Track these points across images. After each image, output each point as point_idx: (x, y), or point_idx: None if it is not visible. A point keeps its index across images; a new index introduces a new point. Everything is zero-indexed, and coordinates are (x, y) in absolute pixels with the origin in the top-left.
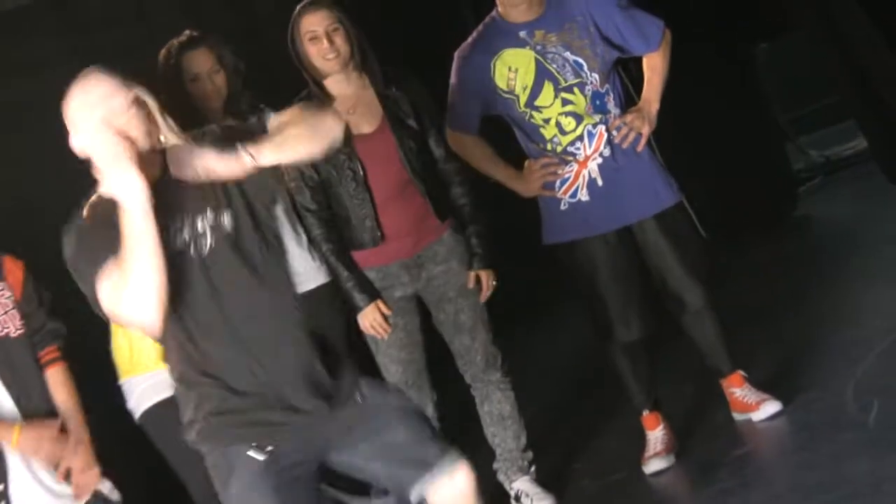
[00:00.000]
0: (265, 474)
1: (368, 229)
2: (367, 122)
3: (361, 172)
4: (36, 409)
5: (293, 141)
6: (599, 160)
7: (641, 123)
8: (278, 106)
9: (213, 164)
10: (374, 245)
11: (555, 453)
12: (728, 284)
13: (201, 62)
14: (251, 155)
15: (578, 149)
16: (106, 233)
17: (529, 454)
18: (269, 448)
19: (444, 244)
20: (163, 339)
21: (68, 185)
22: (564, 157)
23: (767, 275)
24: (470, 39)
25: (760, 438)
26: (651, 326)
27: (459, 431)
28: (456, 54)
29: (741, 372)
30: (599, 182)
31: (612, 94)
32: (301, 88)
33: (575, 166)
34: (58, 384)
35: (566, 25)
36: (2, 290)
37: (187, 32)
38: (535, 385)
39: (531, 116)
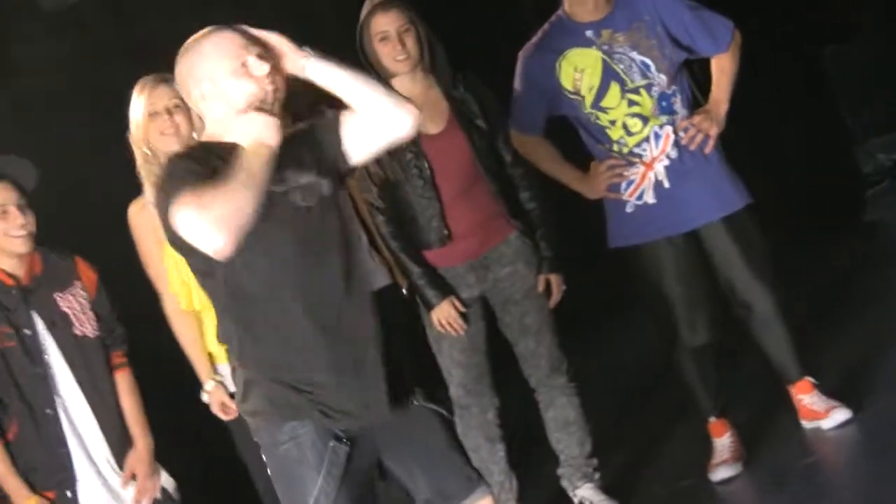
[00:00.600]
0: (332, 459)
1: (435, 229)
2: (434, 122)
3: (428, 171)
4: (107, 411)
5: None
6: (666, 162)
7: (709, 125)
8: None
9: None
10: (440, 244)
11: (620, 460)
12: (795, 289)
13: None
14: None
15: (645, 150)
16: (194, 166)
17: (594, 461)
18: (340, 434)
19: (510, 245)
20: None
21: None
22: (630, 159)
23: (835, 280)
24: (535, 39)
25: (830, 447)
26: (718, 331)
27: (524, 436)
28: (520, 54)
29: (810, 379)
30: (666, 184)
31: (679, 96)
32: None
33: (641, 168)
34: (124, 389)
35: (634, 25)
36: (79, 289)
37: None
38: (599, 390)
39: (597, 117)
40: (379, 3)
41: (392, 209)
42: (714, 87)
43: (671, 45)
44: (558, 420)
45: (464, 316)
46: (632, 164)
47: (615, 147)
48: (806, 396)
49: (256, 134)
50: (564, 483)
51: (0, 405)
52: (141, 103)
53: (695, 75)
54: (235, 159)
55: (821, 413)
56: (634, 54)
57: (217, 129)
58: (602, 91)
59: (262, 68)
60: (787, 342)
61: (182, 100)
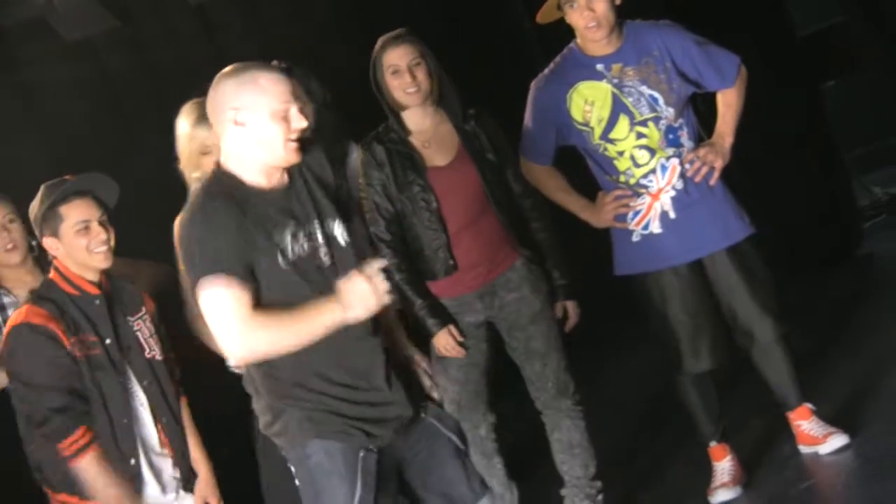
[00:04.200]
0: (365, 469)
1: (441, 260)
2: (442, 155)
3: (435, 204)
4: (177, 431)
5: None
6: (672, 193)
7: (714, 157)
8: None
9: None
10: (446, 275)
11: (624, 482)
12: (794, 319)
13: None
14: None
15: (651, 181)
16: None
17: (598, 483)
18: (367, 447)
19: (516, 272)
20: None
21: None
22: (637, 190)
23: (833, 310)
24: (547, 70)
25: (827, 472)
26: (721, 359)
27: (530, 457)
28: (532, 84)
29: (809, 405)
30: (672, 214)
31: (685, 129)
32: (367, 113)
33: (647, 199)
34: (186, 414)
35: (643, 60)
36: (146, 314)
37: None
38: (605, 414)
39: (605, 149)
40: (390, 37)
41: (398, 241)
42: (720, 121)
43: (679, 79)
44: (563, 442)
45: (465, 342)
46: (638, 194)
47: (622, 178)
48: (804, 422)
49: (352, 303)
50: (567, 503)
51: (75, 413)
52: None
53: (698, 109)
54: (313, 305)
55: (819, 439)
56: (644, 88)
57: (232, 163)
58: (611, 123)
59: (300, 122)
60: (788, 370)
61: None
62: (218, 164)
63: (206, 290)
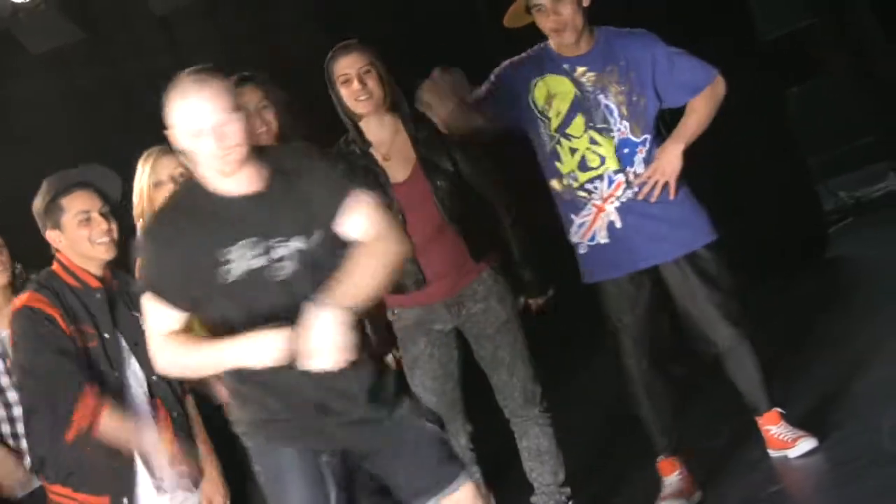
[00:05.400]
0: (304, 469)
1: (410, 273)
2: (402, 169)
3: (401, 218)
4: (183, 430)
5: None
6: (617, 203)
7: (661, 174)
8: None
9: None
10: (416, 288)
11: (593, 488)
12: (761, 324)
13: (248, 97)
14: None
15: (596, 188)
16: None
17: (567, 489)
18: (314, 449)
19: (482, 283)
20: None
21: None
22: (578, 194)
23: (800, 314)
24: (523, 55)
25: (797, 475)
26: (676, 369)
27: (499, 464)
28: (506, 62)
29: (778, 409)
30: (618, 224)
31: (646, 146)
32: (335, 119)
33: (593, 210)
34: (193, 413)
35: (608, 68)
36: None
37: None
38: (576, 419)
39: (559, 142)
40: (340, 46)
41: None
42: (679, 125)
43: (641, 92)
44: (531, 450)
45: (436, 346)
46: (583, 203)
47: (565, 181)
48: (773, 427)
49: (312, 353)
50: None
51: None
52: (145, 174)
53: (667, 123)
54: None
55: (788, 443)
56: (601, 97)
57: (200, 169)
58: (568, 119)
59: (230, 139)
60: (756, 375)
61: (187, 168)
62: (193, 172)
63: (144, 302)
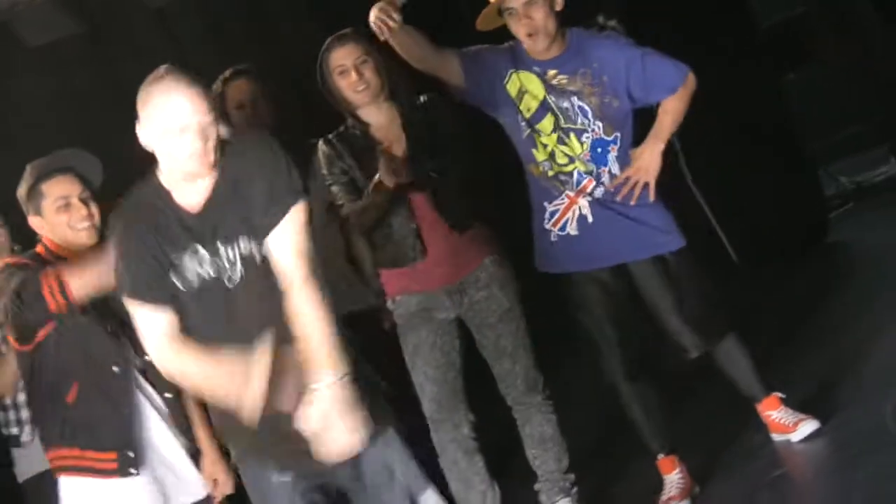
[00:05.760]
0: (286, 493)
1: (410, 245)
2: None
3: (407, 205)
4: (176, 411)
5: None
6: (590, 199)
7: (646, 174)
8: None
9: None
10: (415, 260)
11: (599, 474)
12: (760, 310)
13: (242, 90)
14: None
15: (569, 180)
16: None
17: (571, 476)
18: (291, 472)
19: (485, 270)
20: None
21: None
22: (553, 182)
23: (799, 300)
24: (497, 46)
25: (799, 459)
26: (652, 367)
27: (501, 453)
28: (482, 46)
29: (777, 394)
30: (589, 219)
31: (618, 144)
32: (329, 112)
33: (566, 200)
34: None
35: (580, 71)
36: None
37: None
38: (580, 406)
39: (530, 133)
40: (335, 37)
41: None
42: (654, 126)
43: (618, 93)
44: (535, 437)
45: (438, 334)
46: (558, 192)
47: (541, 168)
48: (774, 412)
49: (329, 452)
50: (542, 498)
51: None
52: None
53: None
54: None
55: (790, 427)
56: (574, 99)
57: (159, 170)
58: (537, 116)
59: (195, 143)
60: (747, 365)
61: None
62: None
63: (130, 307)
